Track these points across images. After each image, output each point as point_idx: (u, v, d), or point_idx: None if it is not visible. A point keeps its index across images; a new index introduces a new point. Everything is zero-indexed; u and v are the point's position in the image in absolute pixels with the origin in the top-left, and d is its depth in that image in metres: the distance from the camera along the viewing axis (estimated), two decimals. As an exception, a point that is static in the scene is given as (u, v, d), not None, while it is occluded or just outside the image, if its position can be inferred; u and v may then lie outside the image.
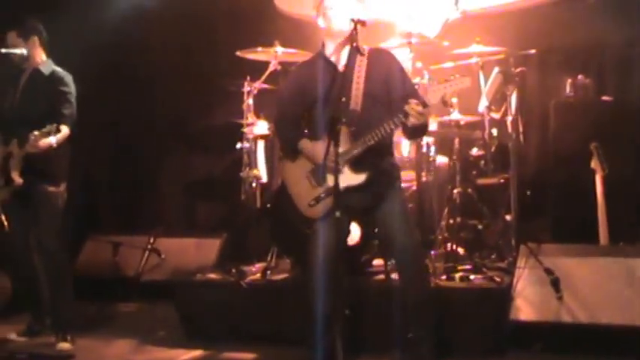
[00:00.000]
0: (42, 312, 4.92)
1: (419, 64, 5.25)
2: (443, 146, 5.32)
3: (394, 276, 4.63)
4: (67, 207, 4.81)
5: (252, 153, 5.54)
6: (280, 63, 5.46)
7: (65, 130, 4.57)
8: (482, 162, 5.36)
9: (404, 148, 5.14)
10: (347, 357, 3.45)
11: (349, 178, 3.74)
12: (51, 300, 4.84)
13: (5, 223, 4.96)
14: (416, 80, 4.92)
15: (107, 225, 7.02)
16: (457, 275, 4.63)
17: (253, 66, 5.63)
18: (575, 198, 5.31)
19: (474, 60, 5.19)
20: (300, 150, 3.87)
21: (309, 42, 5.56)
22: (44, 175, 4.68)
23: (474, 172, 5.38)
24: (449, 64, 5.32)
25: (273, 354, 4.49)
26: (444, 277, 4.61)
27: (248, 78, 5.55)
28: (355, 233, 4.46)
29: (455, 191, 5.19)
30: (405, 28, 5.43)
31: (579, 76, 5.60)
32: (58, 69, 4.80)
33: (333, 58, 3.88)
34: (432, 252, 4.90)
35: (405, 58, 5.02)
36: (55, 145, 4.48)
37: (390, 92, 3.84)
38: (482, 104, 5.18)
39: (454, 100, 5.12)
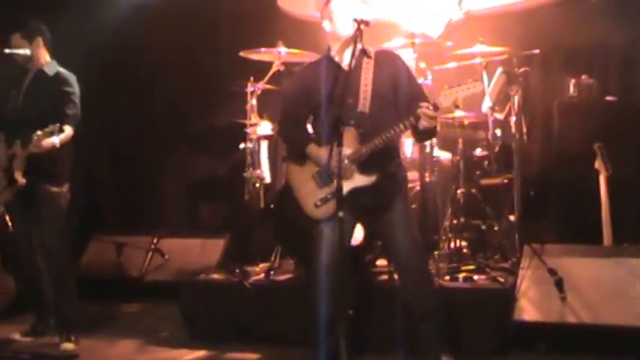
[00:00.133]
0: (46, 312, 4.93)
1: (422, 65, 5.24)
2: (446, 146, 5.32)
3: (397, 276, 4.65)
4: (70, 207, 4.82)
5: (256, 153, 5.54)
6: (283, 63, 5.47)
7: (69, 130, 4.58)
8: (486, 162, 5.35)
9: (407, 148, 5.13)
10: (350, 357, 3.46)
11: (358, 179, 3.75)
12: (54, 300, 4.84)
13: (9, 224, 4.98)
14: (419, 81, 4.92)
15: (111, 225, 7.03)
16: (461, 275, 4.63)
17: (256, 66, 5.64)
18: (579, 198, 5.30)
19: (477, 60, 5.18)
20: (307, 153, 3.87)
21: (312, 42, 5.55)
22: (47, 176, 4.69)
23: (478, 173, 5.38)
24: (452, 65, 5.31)
25: (276, 354, 4.49)
26: (447, 277, 4.61)
27: (251, 78, 5.55)
28: (359, 233, 4.46)
29: (458, 191, 5.18)
30: (409, 28, 5.43)
31: (583, 76, 5.60)
32: (62, 70, 4.81)
33: (338, 60, 3.88)
34: (436, 252, 4.89)
35: (408, 58, 5.01)
36: (58, 145, 4.48)
37: (397, 94, 3.84)
38: (486, 104, 5.17)
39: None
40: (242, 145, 5.63)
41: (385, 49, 4.26)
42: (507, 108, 5.21)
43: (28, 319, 5.03)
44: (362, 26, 3.72)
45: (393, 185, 3.86)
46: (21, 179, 4.61)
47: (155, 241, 6.15)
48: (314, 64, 4.02)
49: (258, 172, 5.52)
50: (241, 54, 5.53)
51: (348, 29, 3.78)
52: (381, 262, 4.90)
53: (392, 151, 3.92)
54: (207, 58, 6.67)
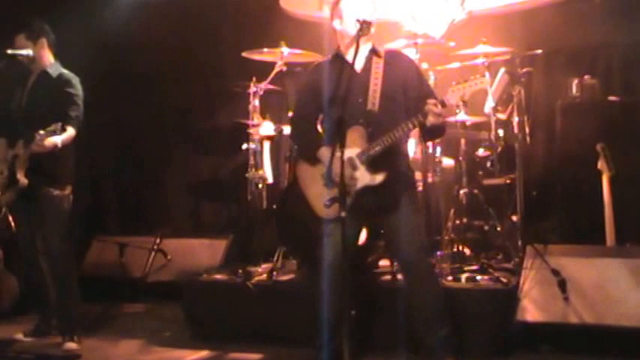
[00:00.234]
0: (49, 312, 4.93)
1: (425, 65, 5.24)
2: (449, 147, 5.32)
3: (400, 277, 4.65)
4: (73, 208, 4.82)
5: (258, 154, 5.53)
6: (286, 64, 5.46)
7: (71, 131, 4.58)
8: (489, 163, 5.35)
9: (410, 149, 5.13)
10: (353, 357, 3.45)
11: (367, 178, 3.76)
12: (57, 301, 4.85)
13: (12, 224, 4.99)
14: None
15: (113, 226, 7.04)
16: (463, 276, 4.62)
17: (259, 67, 5.63)
18: (582, 199, 5.30)
19: (480, 60, 5.18)
20: (317, 154, 3.87)
21: (314, 43, 5.57)
22: (49, 179, 4.69)
23: (481, 173, 5.38)
24: (455, 65, 5.31)
25: (279, 354, 4.49)
26: (450, 278, 4.60)
27: (254, 79, 5.55)
28: (361, 234, 4.46)
29: (461, 192, 5.18)
30: (411, 28, 5.43)
31: (586, 77, 5.60)
32: (66, 71, 4.81)
33: (348, 59, 3.88)
34: (439, 253, 4.89)
35: (411, 58, 5.02)
36: (60, 145, 4.49)
37: (407, 94, 3.85)
38: (489, 105, 5.17)
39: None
40: (245, 146, 5.63)
41: (396, 50, 4.28)
42: (510, 108, 5.21)
43: (31, 319, 5.04)
44: (364, 26, 3.72)
45: (401, 185, 3.86)
46: (23, 179, 4.62)
47: (158, 241, 6.16)
48: (324, 63, 4.02)
49: (260, 172, 5.52)
50: (244, 54, 5.53)
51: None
52: (384, 262, 4.91)
53: (400, 150, 3.93)
54: (210, 59, 6.68)
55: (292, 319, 4.59)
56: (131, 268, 6.12)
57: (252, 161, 5.52)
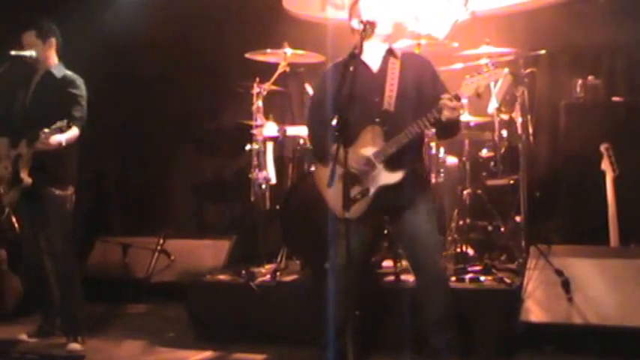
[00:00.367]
0: (52, 313, 4.94)
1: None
2: (453, 147, 5.32)
3: (404, 278, 4.65)
4: (76, 209, 4.83)
5: (262, 154, 5.53)
6: (289, 64, 5.47)
7: (75, 130, 4.59)
8: (492, 163, 5.34)
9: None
10: (357, 357, 3.46)
11: (385, 177, 3.77)
12: (60, 301, 4.86)
13: (16, 225, 4.99)
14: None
15: (117, 227, 7.05)
16: (467, 276, 4.62)
17: (262, 68, 5.64)
18: (586, 199, 5.29)
19: (483, 61, 5.18)
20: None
21: (317, 43, 5.58)
22: (52, 179, 4.70)
23: (484, 174, 5.37)
24: (458, 66, 5.31)
25: (282, 355, 4.49)
26: (453, 278, 4.60)
27: (257, 80, 5.55)
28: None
29: (465, 192, 5.18)
30: (415, 29, 5.43)
31: (589, 77, 5.58)
32: (70, 72, 4.82)
33: (365, 59, 3.89)
34: (442, 253, 4.88)
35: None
36: (64, 144, 4.50)
37: (422, 94, 3.85)
38: (492, 105, 5.17)
39: (464, 100, 5.11)
40: (248, 147, 5.63)
41: (412, 51, 4.29)
42: (514, 109, 5.20)
43: (34, 319, 5.04)
44: (368, 27, 3.75)
45: (418, 184, 3.87)
46: (27, 178, 4.62)
47: (161, 242, 6.15)
48: (340, 63, 4.01)
49: (264, 173, 5.52)
50: (247, 55, 5.54)
51: (379, 28, 3.83)
52: (387, 263, 4.91)
53: (417, 149, 3.95)
54: (213, 60, 6.69)
55: (296, 319, 4.59)
56: (134, 268, 6.12)
57: (255, 162, 5.52)
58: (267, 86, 5.50)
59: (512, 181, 5.25)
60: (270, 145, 5.62)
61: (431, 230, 3.90)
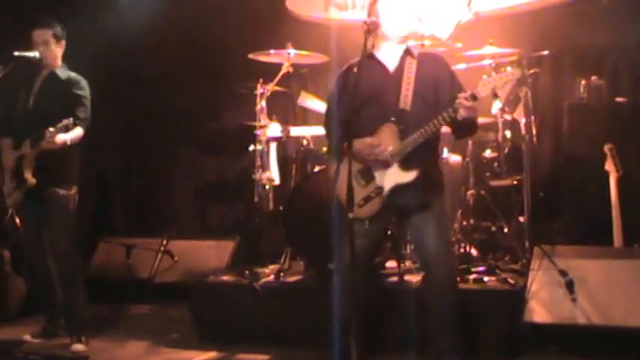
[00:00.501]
0: (56, 313, 4.94)
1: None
2: (456, 148, 5.31)
3: (407, 278, 4.65)
4: (80, 210, 4.84)
5: (265, 155, 5.54)
6: (292, 65, 5.47)
7: (79, 130, 4.60)
8: (496, 164, 5.34)
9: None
10: (360, 358, 3.45)
11: (399, 175, 3.76)
12: (64, 302, 4.86)
13: (19, 225, 5.00)
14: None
15: (120, 227, 7.05)
16: (471, 277, 4.62)
17: (265, 68, 5.64)
18: (589, 200, 5.28)
19: (487, 61, 5.17)
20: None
21: (321, 44, 5.58)
22: (55, 179, 4.70)
23: (488, 174, 5.37)
24: (462, 66, 5.31)
25: (286, 355, 4.49)
26: (457, 279, 4.59)
27: (260, 80, 5.55)
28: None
29: (468, 193, 5.18)
30: (418, 30, 5.42)
31: (593, 77, 5.57)
32: (74, 74, 4.83)
33: (381, 59, 3.91)
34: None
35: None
36: (69, 143, 4.51)
37: (439, 95, 3.85)
38: (496, 106, 5.16)
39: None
40: (251, 147, 5.64)
41: (430, 51, 4.32)
42: (517, 109, 5.20)
43: (38, 320, 5.05)
44: (370, 27, 3.76)
45: (432, 184, 3.87)
46: (30, 179, 4.63)
47: (165, 242, 6.15)
48: (357, 63, 4.00)
49: (267, 174, 5.52)
50: (250, 56, 5.54)
51: (396, 29, 3.85)
52: (391, 263, 4.90)
53: (433, 150, 3.96)
54: (216, 61, 6.68)
55: (299, 320, 4.59)
56: (138, 269, 6.12)
57: (258, 163, 5.52)
58: (271, 87, 5.49)
59: (515, 182, 5.25)
60: (273, 146, 5.62)
61: (443, 231, 3.90)
